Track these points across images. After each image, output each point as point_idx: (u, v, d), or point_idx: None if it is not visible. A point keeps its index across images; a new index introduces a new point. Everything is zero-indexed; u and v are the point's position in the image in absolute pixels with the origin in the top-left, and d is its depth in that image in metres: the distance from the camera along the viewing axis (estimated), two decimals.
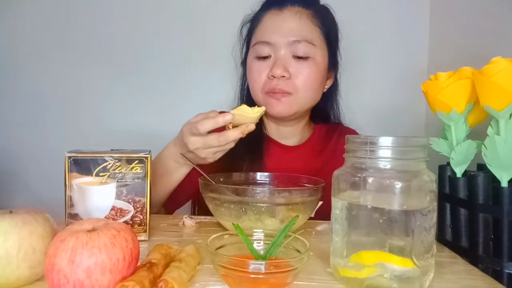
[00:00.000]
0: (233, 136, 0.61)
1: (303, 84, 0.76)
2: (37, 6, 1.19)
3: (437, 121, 0.57)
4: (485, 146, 0.49)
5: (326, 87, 0.85)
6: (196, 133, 0.61)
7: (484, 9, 0.87)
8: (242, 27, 0.89)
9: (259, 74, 0.78)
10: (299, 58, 0.76)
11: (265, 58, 0.78)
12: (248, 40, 0.86)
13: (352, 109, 0.99)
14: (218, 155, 0.66)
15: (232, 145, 0.64)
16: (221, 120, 0.60)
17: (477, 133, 0.55)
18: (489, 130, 0.49)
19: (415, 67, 1.14)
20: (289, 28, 0.76)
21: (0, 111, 1.21)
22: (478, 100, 0.51)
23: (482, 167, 0.56)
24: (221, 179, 0.66)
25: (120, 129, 1.20)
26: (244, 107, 0.62)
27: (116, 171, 0.53)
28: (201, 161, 0.66)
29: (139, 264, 0.39)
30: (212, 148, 0.63)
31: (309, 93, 0.78)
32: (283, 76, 0.75)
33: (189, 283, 0.40)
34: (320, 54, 0.78)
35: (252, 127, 0.62)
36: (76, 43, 1.20)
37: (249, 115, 0.62)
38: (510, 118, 0.48)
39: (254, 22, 0.83)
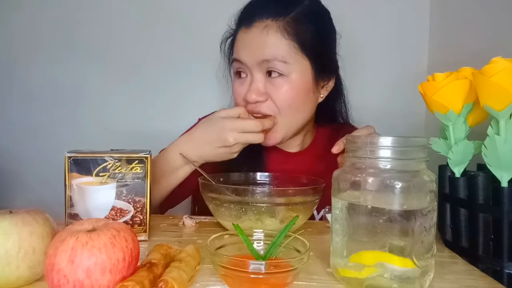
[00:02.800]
0: (268, 123, 0.71)
1: (281, 106, 0.71)
2: (36, 5, 1.19)
3: (437, 121, 0.57)
4: (485, 146, 0.49)
5: (321, 96, 0.78)
6: (245, 130, 0.67)
7: (484, 9, 0.87)
8: (223, 45, 0.85)
9: (239, 96, 0.75)
10: (273, 78, 0.71)
11: (242, 76, 0.75)
12: (231, 56, 0.81)
13: (351, 109, 0.99)
14: (240, 150, 0.70)
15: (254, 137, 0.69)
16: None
17: (477, 133, 0.55)
18: (489, 130, 0.49)
19: (415, 67, 1.14)
20: (257, 47, 0.70)
21: (0, 111, 1.21)
22: (478, 100, 0.51)
23: (482, 167, 0.56)
24: (221, 179, 0.66)
25: (120, 129, 1.20)
26: None
27: (116, 171, 0.53)
28: (229, 156, 0.70)
29: (139, 264, 0.39)
30: (244, 144, 0.69)
31: (292, 114, 0.73)
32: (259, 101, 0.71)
33: (189, 283, 0.40)
34: (296, 71, 0.70)
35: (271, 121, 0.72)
36: (76, 43, 1.20)
37: None
38: (510, 118, 0.47)
39: (232, 38, 0.80)
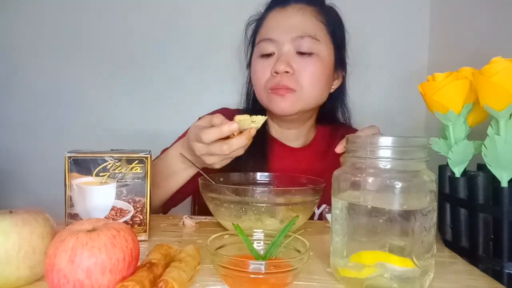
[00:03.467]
0: (237, 144, 0.58)
1: (307, 81, 0.75)
2: (35, 6, 1.19)
3: (437, 121, 0.57)
4: (485, 146, 0.49)
5: (333, 87, 0.84)
6: (200, 140, 0.60)
7: (484, 9, 0.87)
8: (247, 28, 0.88)
9: (263, 72, 0.77)
10: (303, 54, 0.75)
11: (268, 55, 0.77)
12: (253, 41, 0.85)
13: (352, 109, 0.99)
14: (225, 162, 0.63)
15: (240, 152, 0.61)
16: (226, 130, 0.57)
17: (477, 133, 0.55)
18: (489, 130, 0.49)
19: (415, 67, 1.14)
20: (292, 24, 0.76)
21: (0, 111, 1.21)
22: (478, 100, 0.51)
23: (482, 167, 0.56)
24: (221, 179, 0.66)
25: (120, 129, 1.20)
26: (246, 116, 0.59)
27: (116, 171, 0.53)
28: (209, 166, 0.64)
29: (139, 264, 0.39)
30: (218, 156, 0.61)
31: (314, 90, 0.76)
32: (287, 72, 0.74)
33: (189, 283, 0.40)
34: (325, 50, 0.77)
35: (254, 131, 0.60)
36: (76, 43, 1.20)
37: (251, 123, 0.59)
38: (510, 118, 0.47)
39: (258, 22, 0.84)
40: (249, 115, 0.59)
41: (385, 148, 0.40)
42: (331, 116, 0.89)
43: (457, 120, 0.54)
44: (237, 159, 0.71)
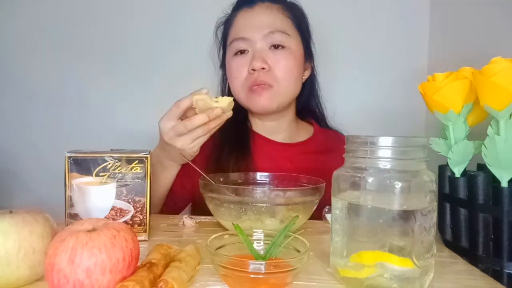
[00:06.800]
0: (198, 120, 0.62)
1: (282, 74, 0.78)
2: (35, 5, 1.19)
3: (437, 121, 0.57)
4: (485, 146, 0.49)
5: (304, 77, 0.87)
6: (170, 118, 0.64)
7: (484, 9, 0.87)
8: (216, 30, 0.90)
9: (239, 70, 0.79)
10: (275, 48, 0.78)
11: (242, 52, 0.80)
12: (224, 42, 0.87)
13: (352, 109, 0.99)
14: (195, 146, 0.65)
15: (202, 131, 0.63)
16: (181, 103, 0.62)
17: (477, 133, 0.55)
18: (489, 130, 0.49)
19: (415, 67, 1.14)
20: (262, 22, 0.79)
21: (0, 111, 1.21)
22: (478, 100, 0.51)
23: (482, 167, 0.56)
24: (221, 179, 0.66)
25: (120, 129, 1.20)
26: (204, 95, 0.61)
27: (116, 171, 0.53)
28: (183, 154, 0.66)
29: (139, 264, 0.39)
30: (185, 137, 0.64)
31: (289, 83, 0.79)
32: (263, 68, 0.76)
33: (189, 283, 0.40)
34: (294, 44, 0.80)
35: (218, 111, 0.61)
36: (75, 42, 1.20)
37: (214, 103, 0.61)
38: (510, 118, 0.47)
39: (227, 23, 0.86)
40: (208, 95, 0.61)
41: (385, 148, 0.40)
42: (307, 107, 0.93)
43: (457, 120, 0.54)
44: (220, 155, 0.75)
